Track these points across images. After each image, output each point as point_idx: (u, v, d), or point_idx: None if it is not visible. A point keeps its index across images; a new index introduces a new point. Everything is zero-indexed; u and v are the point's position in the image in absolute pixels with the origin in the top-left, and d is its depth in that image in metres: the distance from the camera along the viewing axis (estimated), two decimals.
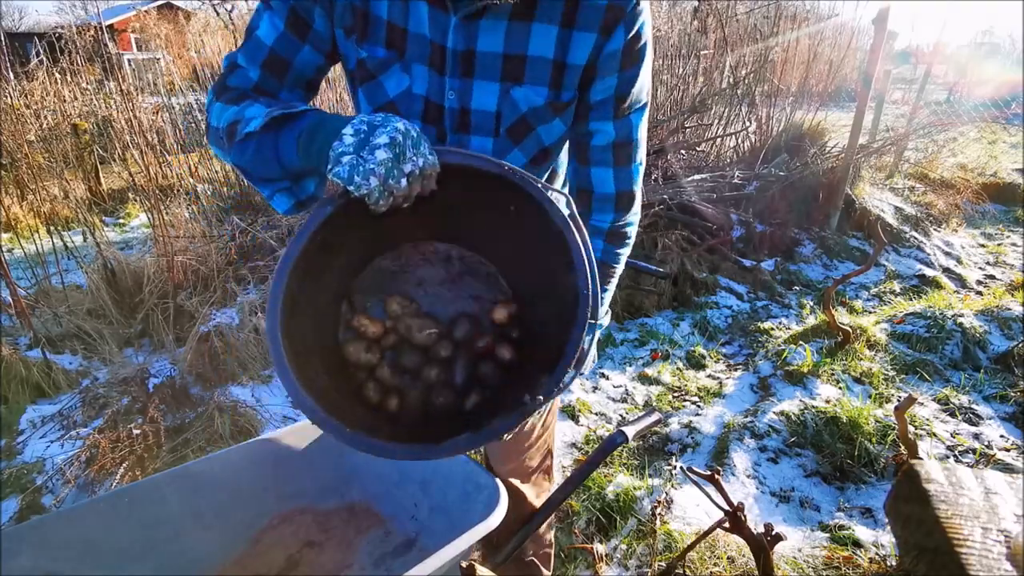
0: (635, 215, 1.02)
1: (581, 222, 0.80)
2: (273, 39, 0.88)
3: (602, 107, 0.91)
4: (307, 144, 0.75)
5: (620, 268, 1.05)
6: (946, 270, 4.30)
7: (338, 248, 0.84)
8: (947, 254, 4.60)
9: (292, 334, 0.77)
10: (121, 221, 5.14)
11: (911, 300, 3.63)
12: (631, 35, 0.86)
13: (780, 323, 3.40)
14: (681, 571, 1.64)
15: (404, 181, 0.72)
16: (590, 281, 0.77)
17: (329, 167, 0.71)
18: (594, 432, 2.40)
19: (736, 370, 2.94)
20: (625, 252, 1.04)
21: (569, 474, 1.04)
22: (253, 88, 0.89)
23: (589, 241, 0.79)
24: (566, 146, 1.02)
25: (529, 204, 0.80)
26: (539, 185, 0.79)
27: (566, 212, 0.79)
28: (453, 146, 0.92)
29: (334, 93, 4.31)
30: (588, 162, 0.96)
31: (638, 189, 1.00)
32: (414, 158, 0.72)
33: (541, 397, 0.76)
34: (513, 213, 0.82)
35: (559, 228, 0.78)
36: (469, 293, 0.93)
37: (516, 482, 1.22)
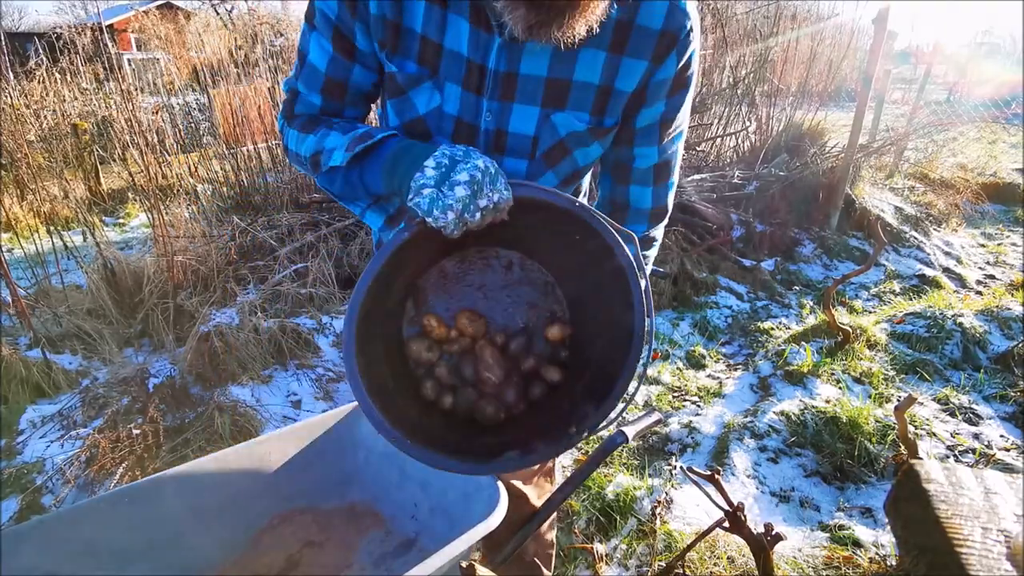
0: (664, 222, 1.06)
1: (643, 262, 0.85)
2: (325, 64, 0.89)
3: (648, 133, 0.92)
4: (390, 171, 0.80)
5: (648, 269, 1.08)
6: (946, 270, 4.30)
7: (408, 260, 0.88)
8: (947, 254, 4.60)
9: (365, 349, 0.82)
10: (121, 221, 5.14)
11: (911, 300, 3.63)
12: (682, 63, 0.86)
13: (780, 323, 3.40)
14: (681, 571, 1.64)
15: (478, 215, 0.75)
16: (647, 324, 0.82)
17: (410, 197, 0.75)
18: None
19: (736, 370, 2.94)
20: (653, 254, 1.08)
21: (569, 474, 1.04)
22: (320, 111, 0.93)
23: (648, 281, 0.84)
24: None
25: (594, 237, 0.83)
26: (608, 224, 0.82)
27: (631, 253, 0.83)
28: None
29: None
30: (628, 182, 0.98)
31: (671, 203, 1.03)
32: (490, 194, 0.75)
33: (586, 432, 0.82)
34: (578, 241, 0.86)
35: (623, 267, 0.82)
36: (526, 300, 0.97)
37: (518, 483, 1.22)
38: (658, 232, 1.06)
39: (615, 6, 0.77)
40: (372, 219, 0.95)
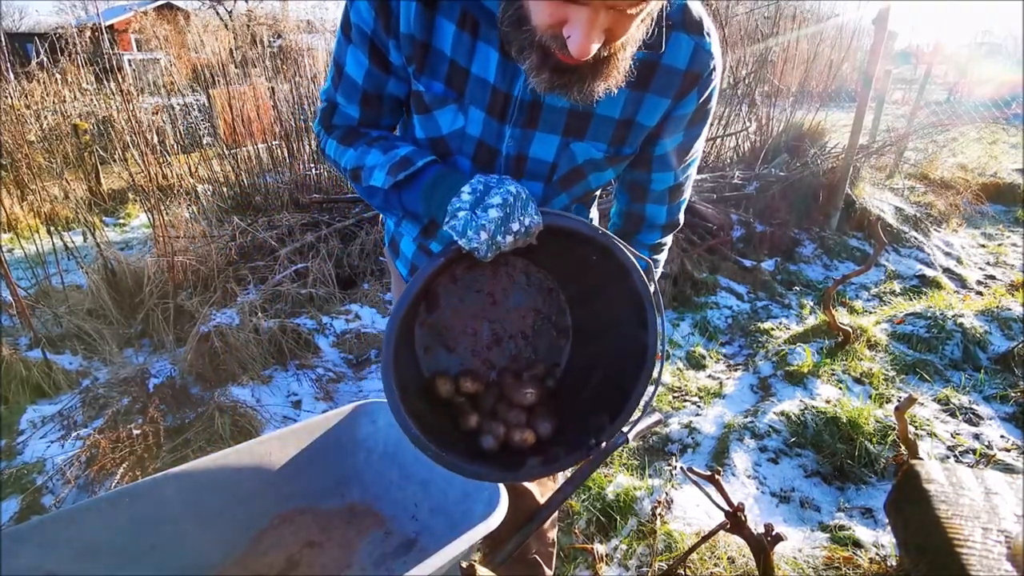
0: (675, 231, 1.11)
1: (657, 288, 0.90)
2: (362, 77, 0.91)
3: (666, 160, 0.96)
4: (428, 198, 0.84)
5: (659, 272, 1.12)
6: (946, 270, 4.30)
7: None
8: (947, 254, 4.60)
9: (398, 363, 0.86)
10: (121, 221, 5.14)
11: (911, 300, 3.63)
12: (703, 99, 0.89)
13: (780, 323, 3.40)
14: (682, 572, 1.64)
15: (510, 238, 0.78)
16: (660, 344, 0.88)
17: (446, 220, 0.79)
18: None
19: (736, 370, 2.94)
20: (663, 258, 1.13)
21: (570, 474, 1.04)
22: (358, 123, 0.97)
23: (662, 306, 0.88)
24: None
25: (610, 260, 0.88)
26: (627, 251, 0.87)
27: (648, 278, 0.88)
28: None
29: None
30: (644, 201, 1.02)
31: (683, 216, 1.07)
32: (522, 218, 0.78)
33: (604, 443, 0.88)
34: (595, 262, 0.91)
35: (638, 290, 0.88)
36: (531, 306, 1.02)
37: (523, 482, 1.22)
38: (669, 239, 1.12)
39: (641, 51, 0.78)
40: (409, 229, 1.01)
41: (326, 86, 0.98)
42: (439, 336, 1.00)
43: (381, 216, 3.72)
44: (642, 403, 0.89)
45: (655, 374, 0.89)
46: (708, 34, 0.85)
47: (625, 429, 1.02)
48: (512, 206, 0.78)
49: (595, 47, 0.67)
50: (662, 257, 1.12)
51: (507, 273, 1.00)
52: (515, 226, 0.78)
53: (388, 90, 0.93)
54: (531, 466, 0.88)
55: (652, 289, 0.88)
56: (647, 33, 0.74)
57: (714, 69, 0.87)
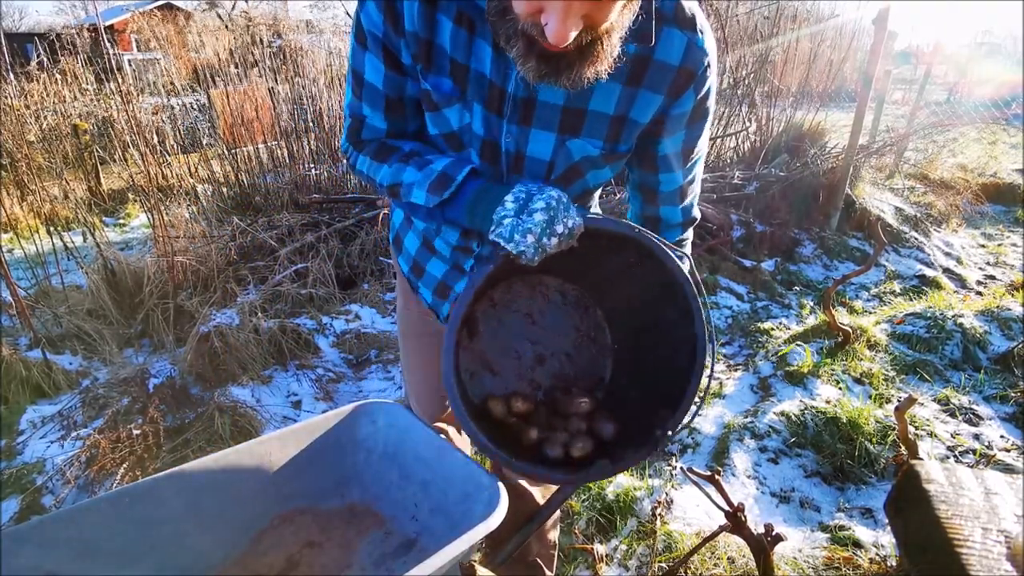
0: (694, 225, 1.12)
1: (698, 277, 0.92)
2: (382, 83, 0.91)
3: (671, 160, 0.96)
4: (471, 212, 0.86)
5: (687, 265, 1.13)
6: (946, 270, 4.30)
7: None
8: (947, 254, 4.60)
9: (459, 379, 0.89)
10: (121, 221, 5.14)
11: (911, 300, 3.63)
12: (700, 96, 0.89)
13: (780, 323, 3.40)
14: (682, 572, 1.64)
15: (554, 240, 0.80)
16: (708, 334, 0.90)
17: (492, 228, 0.81)
18: None
19: (736, 370, 2.94)
20: (688, 251, 1.14)
21: None
22: (387, 135, 0.98)
23: (705, 296, 0.90)
24: None
25: (650, 259, 0.90)
26: (666, 247, 0.89)
27: (686, 269, 0.90)
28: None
29: None
30: (657, 203, 1.03)
31: (698, 212, 1.09)
32: (566, 219, 0.80)
33: (670, 432, 0.90)
34: (634, 263, 0.93)
35: (680, 283, 0.89)
36: (571, 323, 1.04)
37: (524, 483, 1.22)
38: (689, 234, 1.14)
39: (632, 44, 0.79)
40: (447, 233, 1.04)
41: (348, 99, 0.98)
42: (483, 361, 1.01)
43: (382, 217, 3.72)
44: (699, 392, 0.91)
45: (707, 363, 0.90)
46: (701, 31, 0.85)
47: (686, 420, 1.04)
48: (555, 209, 0.79)
49: (573, 34, 0.68)
50: (686, 251, 1.13)
51: (543, 293, 1.02)
52: (559, 228, 0.80)
53: (408, 92, 0.93)
54: (601, 465, 0.90)
55: (690, 277, 0.90)
56: (633, 18, 0.75)
57: (709, 66, 0.87)
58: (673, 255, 0.89)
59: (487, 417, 0.97)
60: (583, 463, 0.91)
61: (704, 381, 0.92)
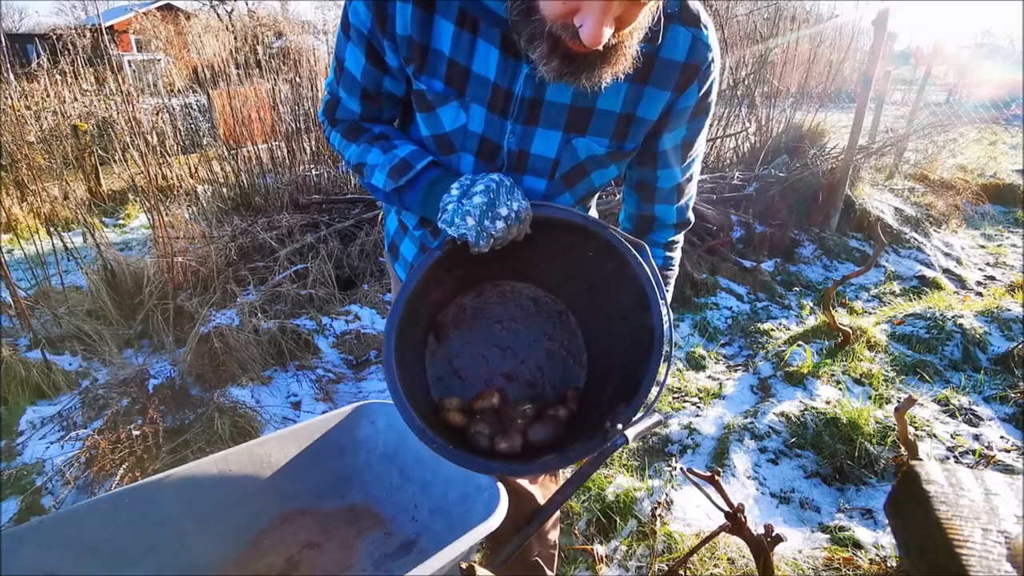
0: (687, 229, 1.12)
1: (657, 270, 0.90)
2: (360, 73, 0.93)
3: (670, 156, 0.97)
4: (424, 200, 0.89)
5: (676, 270, 1.14)
6: (946, 271, 4.30)
7: (434, 286, 0.93)
8: (947, 255, 4.60)
9: (402, 362, 0.87)
10: (121, 222, 5.14)
11: (911, 301, 3.63)
12: (703, 91, 0.90)
13: (780, 324, 3.40)
14: (681, 572, 1.64)
15: (500, 223, 0.81)
16: (665, 323, 0.87)
17: (439, 216, 0.84)
18: None
19: (736, 371, 2.94)
20: (678, 255, 1.13)
21: (570, 475, 1.04)
22: (360, 118, 1.00)
23: (662, 285, 0.88)
24: None
25: (606, 250, 0.89)
26: (620, 236, 0.88)
27: (644, 261, 0.88)
28: None
29: None
30: (653, 201, 1.03)
31: (692, 214, 1.09)
32: (508, 202, 0.82)
33: (620, 426, 0.86)
34: (591, 257, 0.92)
35: (636, 274, 0.88)
36: (543, 331, 1.04)
37: (524, 483, 1.22)
38: (680, 237, 1.14)
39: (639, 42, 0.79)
40: (408, 218, 1.06)
41: (329, 78, 1.00)
42: (450, 365, 1.01)
43: (381, 218, 3.72)
44: (655, 386, 0.88)
45: (667, 351, 0.88)
46: (705, 27, 0.85)
47: (627, 431, 1.03)
48: (495, 192, 0.81)
49: (608, 34, 0.68)
50: (676, 255, 1.13)
51: (515, 300, 1.02)
52: (503, 211, 0.81)
53: (385, 87, 0.95)
54: (546, 459, 0.88)
55: (658, 285, 0.88)
56: (652, 20, 0.75)
57: (712, 61, 0.87)
58: (625, 241, 0.87)
59: (443, 419, 0.96)
60: (533, 457, 0.90)
61: (660, 375, 0.88)
